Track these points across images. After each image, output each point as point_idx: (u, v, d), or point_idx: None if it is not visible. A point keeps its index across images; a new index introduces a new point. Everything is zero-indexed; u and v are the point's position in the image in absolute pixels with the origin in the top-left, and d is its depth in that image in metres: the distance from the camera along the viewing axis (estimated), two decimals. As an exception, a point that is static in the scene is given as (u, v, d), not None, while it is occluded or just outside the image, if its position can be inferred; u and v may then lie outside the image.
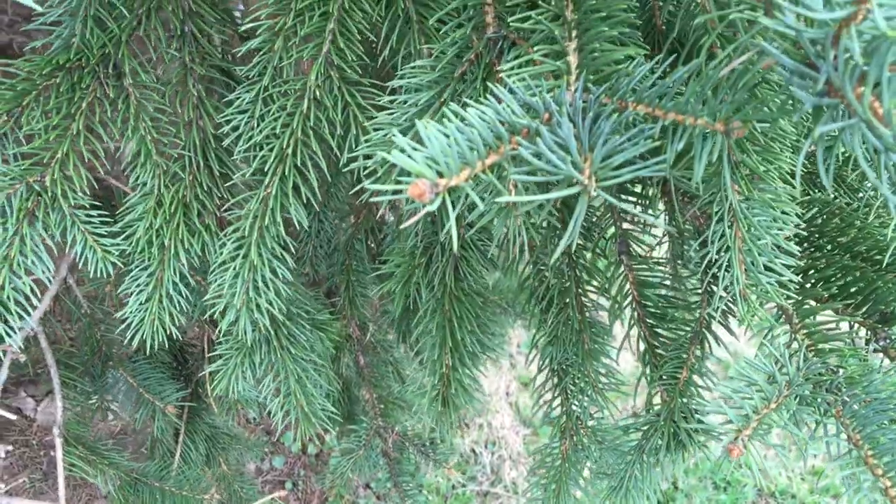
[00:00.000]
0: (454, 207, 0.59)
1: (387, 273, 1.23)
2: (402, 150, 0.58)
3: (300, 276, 1.56)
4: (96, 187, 1.08)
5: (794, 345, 0.93)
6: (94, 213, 1.07)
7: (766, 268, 0.86)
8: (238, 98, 1.05)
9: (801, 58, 0.53)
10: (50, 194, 1.04)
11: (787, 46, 0.53)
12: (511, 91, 0.65)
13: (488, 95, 0.64)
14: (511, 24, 0.75)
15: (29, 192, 1.03)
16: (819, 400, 0.83)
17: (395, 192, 0.63)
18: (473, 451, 4.06)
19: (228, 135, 1.07)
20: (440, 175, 0.59)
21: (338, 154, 1.05)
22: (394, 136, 0.58)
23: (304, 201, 1.07)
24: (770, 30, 0.55)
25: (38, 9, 0.63)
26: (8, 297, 1.03)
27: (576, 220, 0.61)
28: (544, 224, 1.07)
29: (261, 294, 1.10)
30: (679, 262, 1.08)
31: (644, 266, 1.09)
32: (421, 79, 0.87)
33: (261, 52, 1.04)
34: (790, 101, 0.57)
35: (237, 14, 1.47)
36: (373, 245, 1.66)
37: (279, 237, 1.08)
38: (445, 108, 0.69)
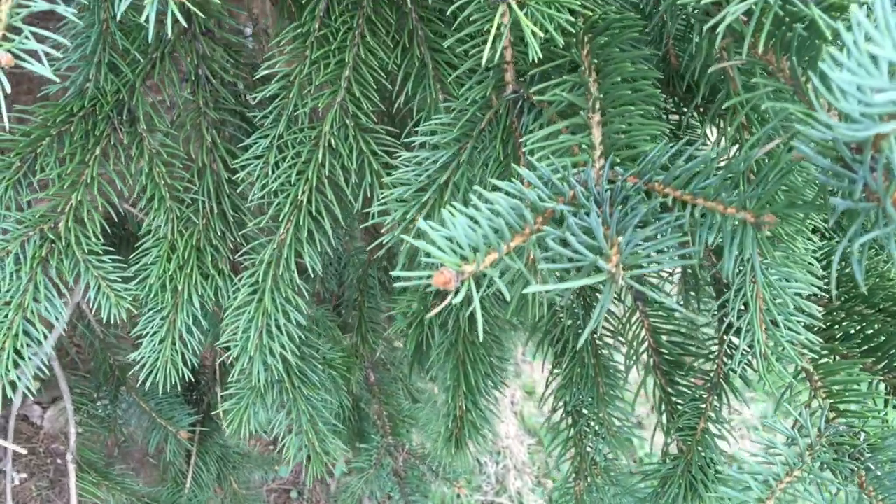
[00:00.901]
0: (478, 290, 0.59)
1: (399, 312, 1.22)
2: (427, 237, 0.57)
3: (311, 297, 1.55)
4: (109, 231, 1.08)
5: (815, 403, 0.92)
6: (107, 258, 1.06)
7: (787, 327, 0.85)
8: (254, 143, 1.05)
9: (835, 157, 0.52)
10: (64, 241, 1.03)
11: (821, 144, 0.52)
12: (533, 168, 0.64)
13: (513, 178, 0.64)
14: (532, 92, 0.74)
15: (43, 239, 1.03)
16: (841, 466, 0.82)
17: (421, 278, 0.63)
18: (478, 460, 4.06)
19: (243, 180, 1.06)
20: (465, 259, 0.58)
21: (352, 200, 1.05)
22: (420, 222, 0.58)
23: (319, 248, 1.06)
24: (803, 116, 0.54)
25: (55, 78, 0.63)
26: (22, 344, 1.03)
27: (601, 307, 0.60)
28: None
29: (274, 339, 1.10)
30: (696, 310, 1.08)
31: (660, 313, 1.08)
32: (439, 138, 0.86)
33: (276, 99, 1.04)
34: (823, 197, 0.56)
35: (247, 33, 1.46)
36: (386, 281, 1.65)
37: (293, 282, 1.08)
38: (469, 191, 0.68)
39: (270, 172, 1.03)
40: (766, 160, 0.66)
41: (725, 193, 0.59)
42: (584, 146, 0.68)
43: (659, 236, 0.58)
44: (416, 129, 1.01)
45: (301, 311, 1.10)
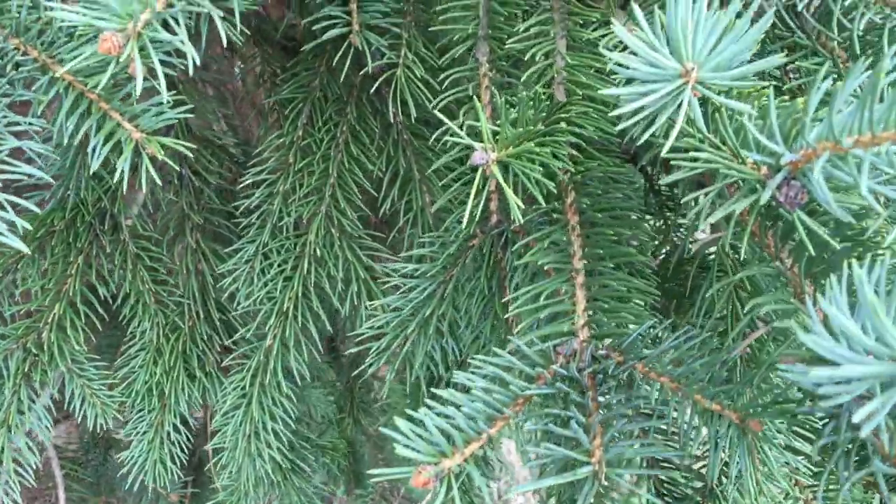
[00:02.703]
0: (457, 481, 0.58)
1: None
2: (404, 437, 0.56)
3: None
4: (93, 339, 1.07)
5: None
6: (90, 367, 1.05)
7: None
8: (240, 248, 1.03)
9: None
10: (47, 353, 1.02)
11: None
12: (518, 350, 0.63)
13: (493, 357, 0.62)
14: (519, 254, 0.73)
15: (25, 353, 1.02)
16: None
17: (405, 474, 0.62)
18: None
19: (230, 284, 1.05)
20: (444, 455, 0.57)
21: (339, 307, 1.04)
22: (396, 420, 0.57)
23: (306, 352, 1.05)
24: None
25: (27, 250, 0.62)
26: (6, 456, 1.02)
27: (584, 498, 0.59)
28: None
29: (261, 440, 1.09)
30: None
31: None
32: (424, 269, 0.85)
33: (261, 207, 1.02)
34: (810, 400, 0.55)
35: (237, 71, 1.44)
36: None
37: (280, 387, 1.07)
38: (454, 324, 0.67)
39: (256, 280, 1.02)
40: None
41: (711, 384, 0.58)
42: (567, 316, 0.66)
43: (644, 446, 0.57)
44: (400, 234, 1.00)
45: (289, 413, 1.09)
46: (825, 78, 0.50)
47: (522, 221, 0.67)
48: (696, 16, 0.55)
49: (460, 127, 0.84)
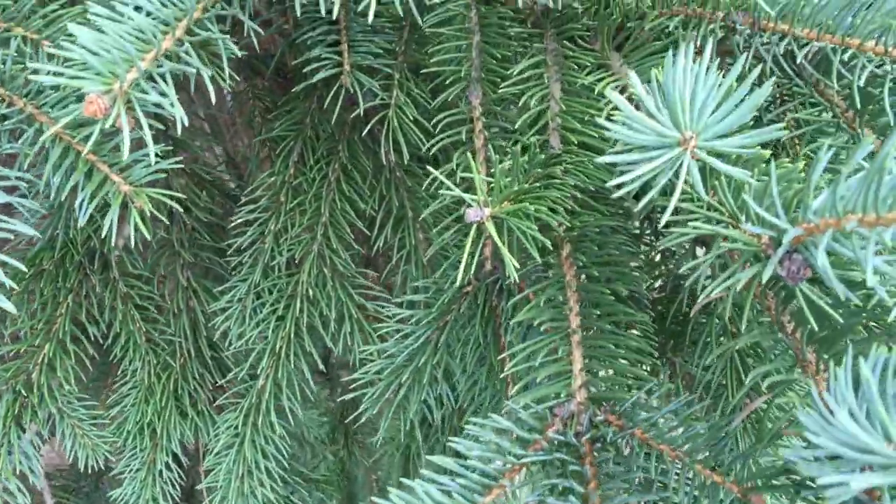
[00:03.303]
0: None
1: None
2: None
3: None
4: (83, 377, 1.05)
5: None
6: (81, 407, 1.04)
7: None
8: (233, 287, 1.02)
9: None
10: (37, 395, 1.01)
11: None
12: (513, 413, 0.62)
13: (488, 420, 0.61)
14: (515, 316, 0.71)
15: (15, 395, 1.00)
16: None
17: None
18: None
19: (222, 323, 1.04)
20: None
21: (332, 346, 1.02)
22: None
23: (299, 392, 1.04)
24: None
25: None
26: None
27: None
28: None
29: (254, 478, 1.08)
30: None
31: None
32: (419, 316, 0.84)
33: (252, 245, 1.01)
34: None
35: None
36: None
37: (273, 426, 1.05)
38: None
39: (248, 319, 1.01)
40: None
41: (712, 454, 0.57)
42: (564, 376, 0.65)
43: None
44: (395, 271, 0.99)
45: (282, 451, 1.08)
46: (828, 150, 0.49)
47: (517, 277, 0.65)
48: (694, 79, 0.54)
49: (454, 171, 0.83)
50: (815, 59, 0.73)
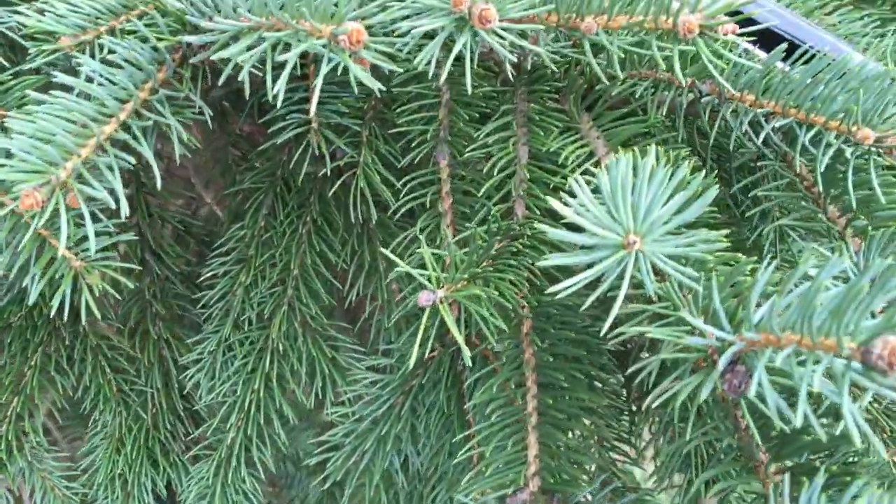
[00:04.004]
0: None
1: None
2: None
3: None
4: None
5: None
6: (51, 458, 1.03)
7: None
8: (204, 339, 1.01)
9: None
10: (6, 450, 1.00)
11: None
12: None
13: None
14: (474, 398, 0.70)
15: (-18, 449, 1.00)
16: None
17: None
18: None
19: (193, 375, 1.03)
20: None
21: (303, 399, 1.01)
22: None
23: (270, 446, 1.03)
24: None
25: None
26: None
27: None
28: None
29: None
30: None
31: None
32: (384, 381, 0.82)
33: (223, 299, 1.00)
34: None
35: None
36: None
37: (245, 478, 1.04)
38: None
39: (218, 373, 1.00)
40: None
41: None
42: (518, 462, 0.64)
43: None
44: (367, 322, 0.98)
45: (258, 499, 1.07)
46: (771, 262, 0.48)
47: (470, 362, 0.64)
48: (640, 178, 0.53)
49: (417, 236, 0.82)
50: (783, 129, 0.71)
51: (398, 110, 0.83)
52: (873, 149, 0.61)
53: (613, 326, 0.60)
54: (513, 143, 0.80)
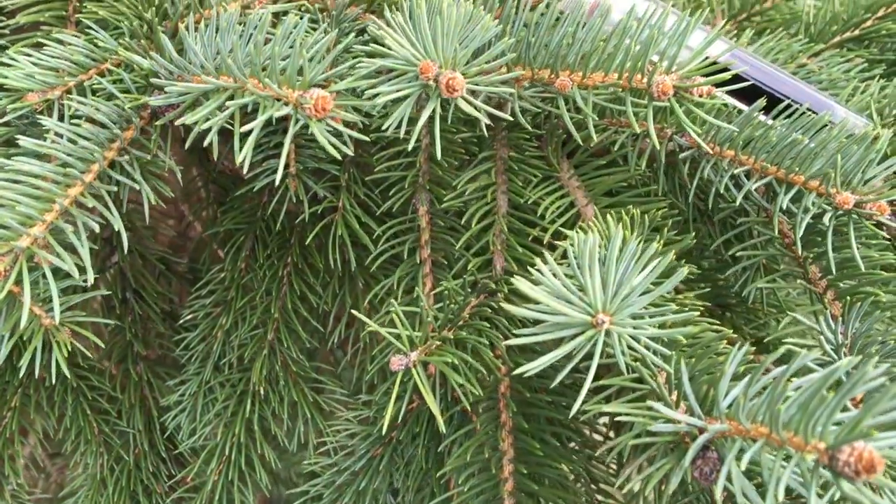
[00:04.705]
0: None
1: None
2: None
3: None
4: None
5: None
6: (29, 500, 1.02)
7: None
8: (186, 381, 1.00)
9: None
10: (-16, 495, 0.99)
11: None
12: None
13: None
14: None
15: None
16: None
17: None
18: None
19: (175, 417, 1.01)
20: None
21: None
22: None
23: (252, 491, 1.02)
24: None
25: None
26: None
27: None
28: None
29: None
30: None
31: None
32: (363, 433, 0.81)
33: (204, 342, 0.99)
34: None
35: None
36: None
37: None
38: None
39: (199, 416, 0.99)
40: None
41: None
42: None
43: None
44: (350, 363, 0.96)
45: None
46: (741, 347, 0.46)
47: (444, 430, 0.63)
48: (610, 252, 0.52)
49: (393, 288, 0.81)
50: (764, 185, 0.70)
51: (376, 156, 0.82)
52: (854, 215, 0.59)
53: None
54: (491, 193, 0.78)
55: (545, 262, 0.50)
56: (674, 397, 0.50)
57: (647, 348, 0.50)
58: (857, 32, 0.88)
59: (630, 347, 0.50)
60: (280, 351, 0.97)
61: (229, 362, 0.97)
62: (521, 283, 0.48)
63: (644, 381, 0.51)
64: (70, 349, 0.67)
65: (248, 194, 0.97)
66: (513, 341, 0.49)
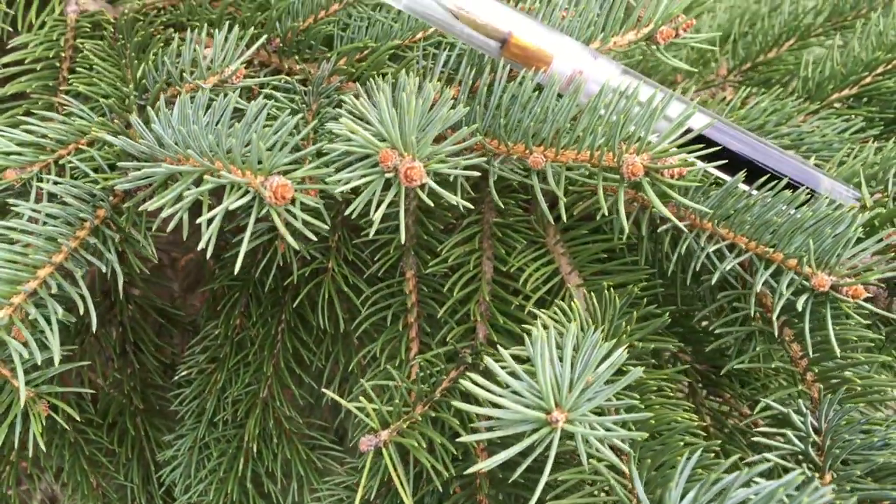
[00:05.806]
0: None
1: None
2: None
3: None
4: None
5: None
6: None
7: None
8: (181, 436, 1.00)
9: None
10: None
11: None
12: None
13: None
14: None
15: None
16: None
17: None
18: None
19: (171, 473, 1.02)
20: None
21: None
22: None
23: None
24: None
25: None
26: None
27: None
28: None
29: None
30: None
31: None
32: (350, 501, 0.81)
33: (199, 398, 0.99)
34: None
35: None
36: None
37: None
38: None
39: (193, 473, 0.99)
40: None
41: None
42: None
43: None
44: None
45: None
46: (693, 454, 0.45)
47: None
48: (566, 349, 0.51)
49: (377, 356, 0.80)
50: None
51: (364, 220, 0.82)
52: (831, 295, 0.58)
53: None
54: (475, 259, 0.78)
55: (499, 359, 0.49)
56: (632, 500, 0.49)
57: (603, 443, 0.49)
58: (855, 90, 0.87)
59: (587, 442, 0.49)
60: (273, 408, 0.97)
61: (223, 419, 0.97)
62: (468, 384, 0.48)
63: (601, 474, 0.50)
64: (43, 424, 0.67)
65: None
66: (464, 438, 0.48)
